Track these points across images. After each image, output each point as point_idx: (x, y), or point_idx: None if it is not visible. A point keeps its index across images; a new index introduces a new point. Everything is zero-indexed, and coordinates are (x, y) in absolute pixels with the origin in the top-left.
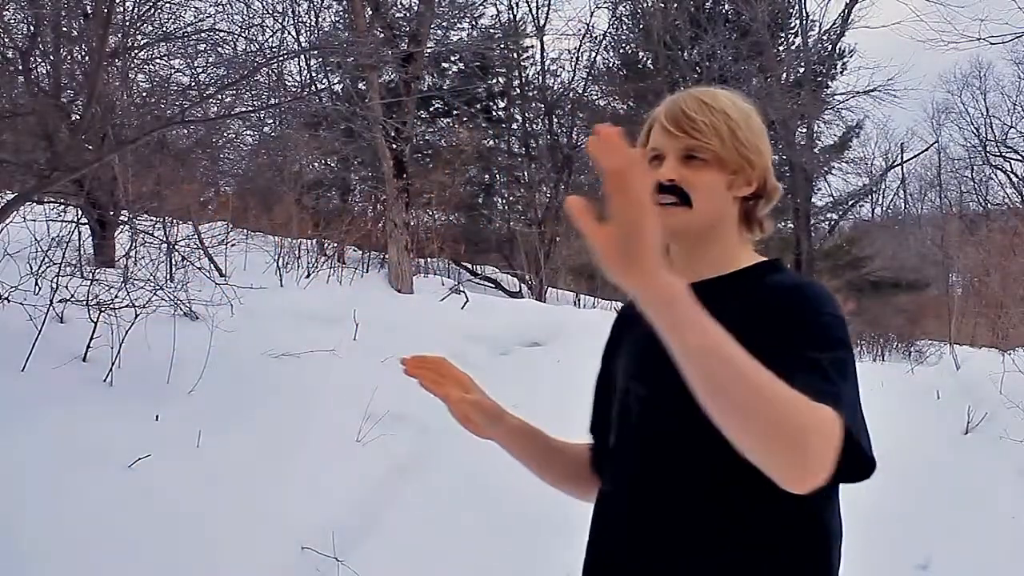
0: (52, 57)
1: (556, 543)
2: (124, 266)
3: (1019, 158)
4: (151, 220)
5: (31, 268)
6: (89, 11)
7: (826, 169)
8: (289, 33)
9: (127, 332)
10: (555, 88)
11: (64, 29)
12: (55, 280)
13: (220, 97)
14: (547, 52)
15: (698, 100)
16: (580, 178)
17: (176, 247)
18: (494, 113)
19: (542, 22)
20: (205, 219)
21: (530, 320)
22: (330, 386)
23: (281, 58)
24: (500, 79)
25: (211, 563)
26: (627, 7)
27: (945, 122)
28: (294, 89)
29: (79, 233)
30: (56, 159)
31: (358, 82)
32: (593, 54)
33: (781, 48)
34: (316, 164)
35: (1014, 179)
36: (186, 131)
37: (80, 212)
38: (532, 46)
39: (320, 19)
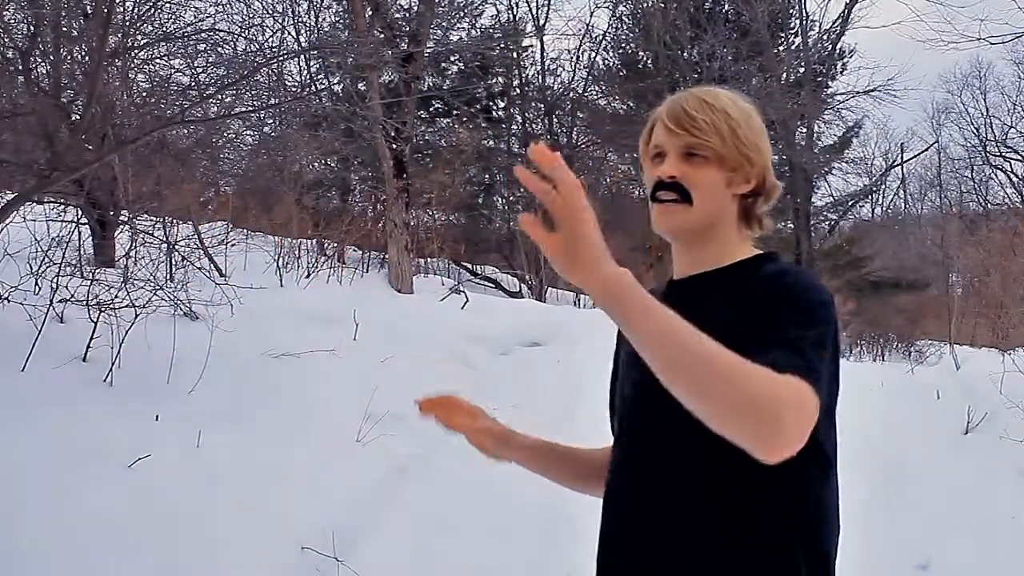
0: (52, 57)
1: (556, 543)
2: (124, 266)
3: (1019, 158)
4: (151, 220)
5: (31, 268)
6: (89, 11)
7: (826, 169)
8: (289, 33)
9: (127, 332)
10: (555, 88)
11: (64, 29)
12: (55, 280)
13: (220, 97)
14: (547, 52)
15: (699, 99)
16: (580, 178)
17: (176, 247)
18: (494, 113)
19: (542, 22)
20: (205, 219)
21: (530, 320)
22: (330, 386)
23: (281, 58)
24: (500, 79)
25: (211, 563)
26: (627, 7)
27: (945, 122)
28: (294, 89)
29: (79, 233)
30: (56, 159)
31: (358, 82)
32: (593, 54)
33: (781, 48)
34: (316, 164)
35: (1014, 179)
36: (186, 131)
37: (80, 212)
38: (532, 46)
39: (320, 19)
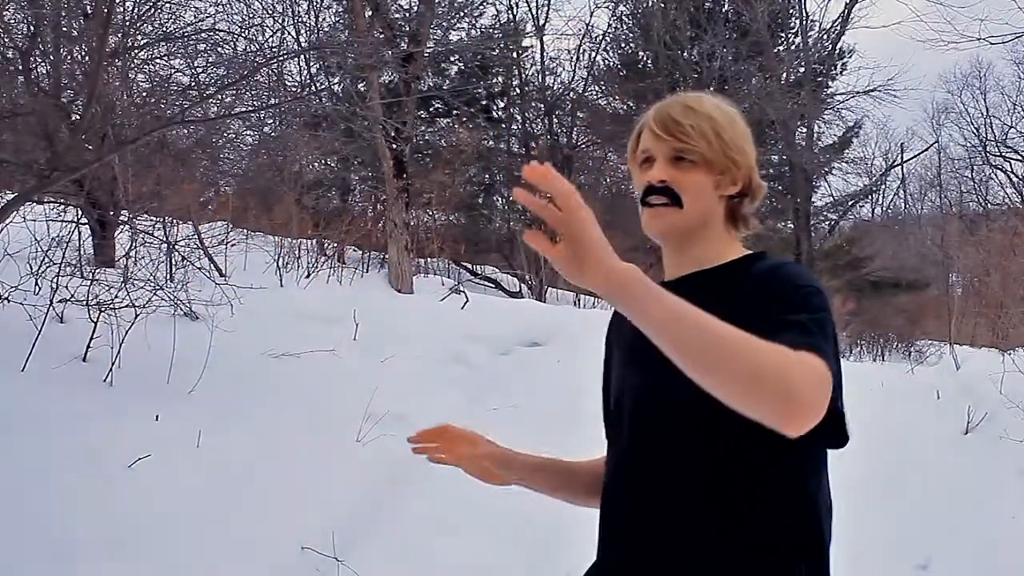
0: (52, 57)
1: (556, 544)
2: (124, 266)
3: (1019, 158)
4: (151, 220)
5: (31, 268)
6: (89, 11)
7: (826, 169)
8: (289, 33)
9: (127, 332)
10: (555, 88)
11: (64, 29)
12: (55, 280)
13: (220, 97)
14: (547, 52)
15: (685, 105)
16: (580, 178)
17: (176, 247)
18: (494, 113)
19: (542, 22)
20: (205, 219)
21: (530, 320)
22: (330, 386)
23: (281, 58)
24: (500, 79)
25: (211, 563)
26: (627, 7)
27: (945, 122)
28: (294, 89)
29: (79, 233)
30: (56, 159)
31: (358, 82)
32: (593, 54)
33: (781, 48)
34: (316, 164)
35: (1014, 179)
36: (186, 131)
37: (80, 212)
38: (532, 46)
39: (320, 19)
